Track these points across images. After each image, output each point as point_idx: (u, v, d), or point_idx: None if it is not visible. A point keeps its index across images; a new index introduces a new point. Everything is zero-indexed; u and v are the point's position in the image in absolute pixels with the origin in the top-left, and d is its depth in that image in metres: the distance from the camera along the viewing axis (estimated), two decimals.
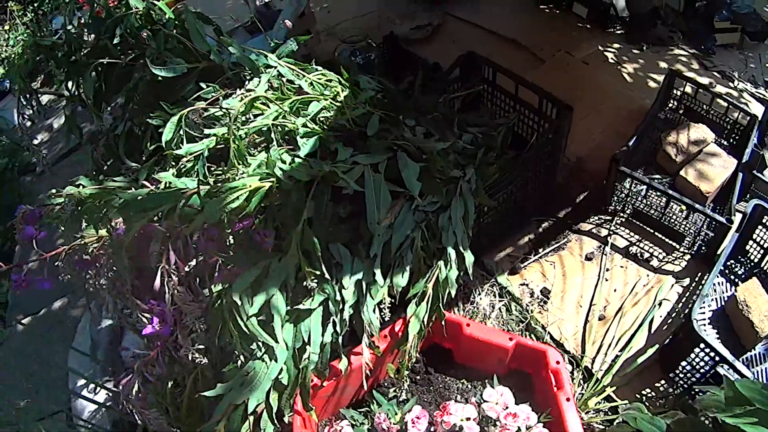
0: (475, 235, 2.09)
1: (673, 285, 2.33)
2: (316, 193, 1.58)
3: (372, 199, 1.69)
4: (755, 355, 2.10)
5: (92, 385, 2.44)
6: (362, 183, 1.70)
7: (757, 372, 2.06)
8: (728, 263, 2.33)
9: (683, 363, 2.00)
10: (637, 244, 2.47)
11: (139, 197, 1.51)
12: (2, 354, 2.88)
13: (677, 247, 2.44)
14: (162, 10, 1.97)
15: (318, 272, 1.54)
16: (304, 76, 1.91)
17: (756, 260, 2.31)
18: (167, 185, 1.54)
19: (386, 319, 1.83)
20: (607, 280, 2.37)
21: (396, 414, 1.81)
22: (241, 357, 1.53)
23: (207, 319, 1.49)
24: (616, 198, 2.52)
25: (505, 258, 2.44)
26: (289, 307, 1.56)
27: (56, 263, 1.73)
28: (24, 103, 1.95)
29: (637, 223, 2.53)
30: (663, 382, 2.10)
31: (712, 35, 3.30)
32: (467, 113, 2.48)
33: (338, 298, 1.60)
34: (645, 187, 2.39)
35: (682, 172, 2.52)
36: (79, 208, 1.54)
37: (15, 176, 3.80)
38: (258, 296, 1.48)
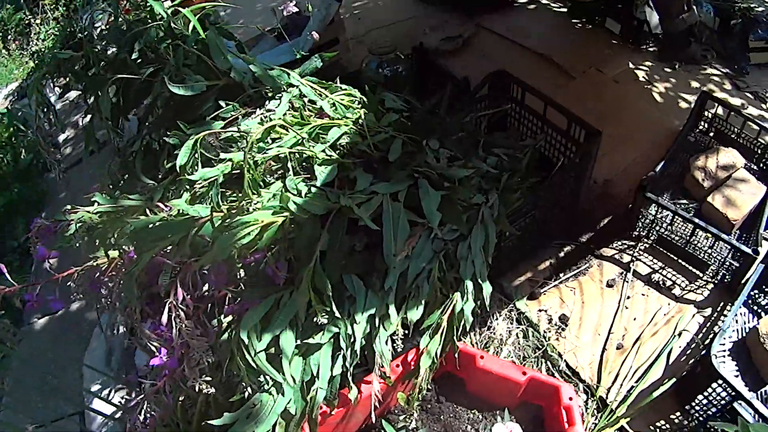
0: (495, 258, 1.99)
1: (694, 315, 2.21)
2: (331, 225, 1.50)
3: (390, 230, 1.60)
4: None
5: (106, 392, 2.41)
6: (380, 212, 1.62)
7: None
8: (752, 293, 2.20)
9: (700, 397, 1.89)
10: (660, 271, 2.34)
11: (150, 225, 1.45)
12: (19, 354, 2.86)
13: (700, 275, 2.31)
14: (186, 20, 1.89)
15: (328, 308, 1.46)
16: (326, 96, 1.82)
17: None
18: (180, 212, 1.47)
19: (399, 349, 1.76)
20: (627, 308, 2.26)
21: None
22: (249, 388, 1.47)
23: (215, 352, 1.42)
24: (641, 224, 2.40)
25: (524, 282, 2.33)
26: (298, 341, 1.49)
27: (68, 283, 1.68)
28: (41, 116, 1.89)
29: (661, 249, 2.40)
30: (678, 414, 1.99)
31: (746, 54, 3.14)
32: (494, 133, 2.38)
33: (349, 332, 1.53)
34: (671, 213, 2.28)
35: (709, 198, 2.39)
36: (91, 233, 1.48)
37: (39, 172, 3.77)
38: (267, 332, 1.41)
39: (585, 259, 2.41)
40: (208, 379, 1.43)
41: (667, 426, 1.97)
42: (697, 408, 1.94)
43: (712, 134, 2.71)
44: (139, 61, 1.80)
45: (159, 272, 1.48)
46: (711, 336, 2.13)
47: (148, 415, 1.53)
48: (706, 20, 3.27)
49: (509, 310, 2.27)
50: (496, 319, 2.24)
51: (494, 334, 2.21)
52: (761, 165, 2.60)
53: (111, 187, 1.89)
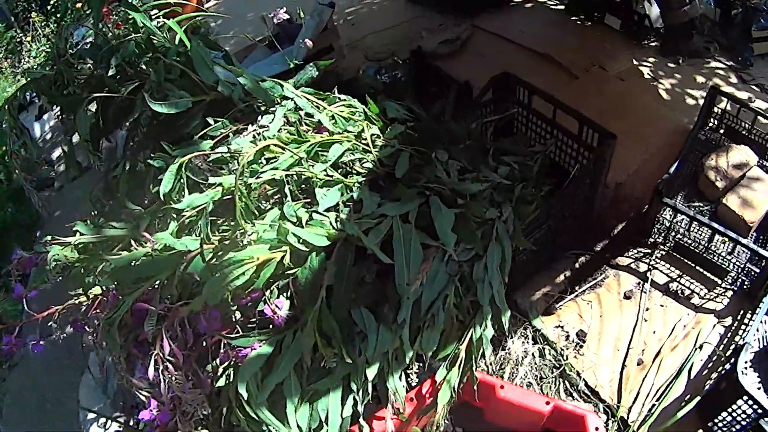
0: (509, 274, 1.79)
1: (714, 325, 2.01)
2: (337, 256, 1.27)
3: (401, 256, 1.38)
4: None
5: (102, 420, 2.23)
6: (390, 235, 1.40)
7: None
8: None
9: (724, 414, 1.71)
10: (678, 280, 2.13)
11: (133, 261, 1.22)
12: (17, 378, 2.66)
13: (719, 282, 2.11)
14: (173, 33, 1.67)
15: (337, 351, 1.24)
16: (324, 108, 1.59)
17: None
18: (165, 246, 1.25)
19: (413, 383, 1.55)
20: (646, 320, 2.05)
21: None
22: None
23: (210, 404, 1.20)
24: (656, 230, 2.19)
25: (540, 297, 2.11)
26: (306, 386, 1.27)
27: (49, 324, 1.46)
28: (16, 139, 1.66)
29: (678, 256, 2.19)
30: (701, 431, 1.79)
31: (749, 45, 2.95)
32: (501, 139, 2.16)
33: (360, 374, 1.31)
34: (688, 218, 2.07)
35: (724, 200, 2.21)
36: (68, 272, 1.25)
37: (33, 192, 3.56)
38: (269, 379, 1.19)
39: (601, 270, 2.20)
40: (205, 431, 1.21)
41: None
42: (721, 425, 1.76)
43: (722, 131, 2.51)
44: (118, 77, 1.57)
45: (146, 314, 1.26)
46: (733, 348, 1.94)
47: None
48: (707, 12, 3.09)
49: (524, 327, 2.06)
50: (512, 338, 2.02)
51: (510, 354, 1.99)
52: None
53: (95, 214, 1.66)
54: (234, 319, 1.24)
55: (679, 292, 2.11)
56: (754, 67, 2.94)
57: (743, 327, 2.01)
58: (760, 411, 1.61)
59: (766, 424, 1.62)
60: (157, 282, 1.22)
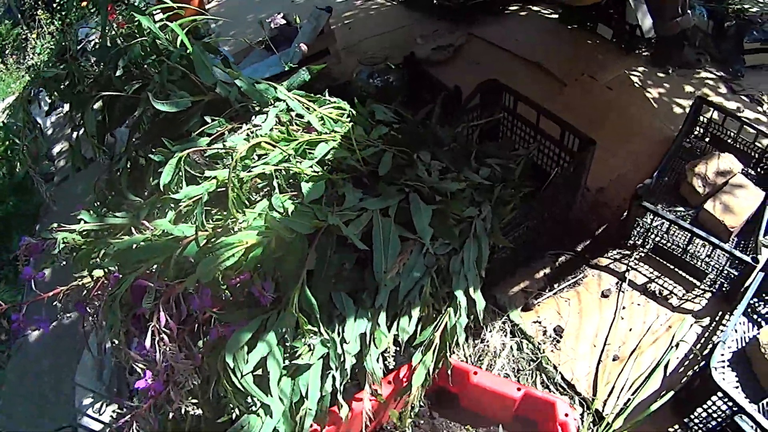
0: (488, 270, 1.96)
1: (692, 325, 2.16)
2: (319, 244, 1.46)
3: (380, 247, 1.57)
4: None
5: (97, 406, 2.38)
6: (370, 228, 1.59)
7: None
8: (751, 302, 2.16)
9: (699, 410, 1.85)
10: (656, 280, 2.31)
11: (134, 245, 1.42)
12: (15, 365, 2.83)
13: (698, 284, 2.27)
14: (174, 35, 1.86)
15: (317, 330, 1.43)
16: (314, 110, 1.79)
17: None
18: (164, 232, 1.44)
19: (390, 366, 1.72)
20: (623, 318, 2.22)
21: None
22: (237, 410, 1.44)
23: (200, 374, 1.39)
24: (636, 232, 2.36)
25: (518, 293, 2.30)
26: (287, 362, 1.45)
27: (54, 303, 1.65)
28: (28, 134, 1.85)
29: (657, 258, 2.36)
30: (677, 427, 1.94)
31: (740, 57, 3.11)
32: (486, 143, 2.34)
33: (339, 351, 1.49)
34: (667, 222, 2.24)
35: (706, 206, 2.36)
36: (74, 254, 1.45)
37: (34, 185, 3.74)
38: (254, 353, 1.38)
39: (580, 269, 2.37)
40: (195, 401, 1.39)
41: None
42: (697, 421, 1.89)
43: (707, 139, 2.67)
44: (124, 77, 1.77)
45: (144, 293, 1.44)
46: (710, 347, 2.07)
47: None
48: (700, 23, 3.24)
49: (503, 321, 2.24)
50: (490, 331, 2.20)
51: (488, 346, 2.17)
52: (759, 169, 2.57)
53: (98, 204, 1.86)
54: (224, 299, 1.43)
55: (657, 292, 2.27)
56: (744, 78, 3.10)
57: (720, 327, 2.15)
58: (735, 408, 1.74)
59: (741, 421, 1.73)
60: (155, 264, 1.40)
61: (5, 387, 2.78)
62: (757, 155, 2.56)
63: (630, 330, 2.19)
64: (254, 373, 1.41)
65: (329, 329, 1.47)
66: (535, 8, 3.89)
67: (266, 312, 1.42)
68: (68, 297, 1.60)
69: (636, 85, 3.08)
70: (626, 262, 2.37)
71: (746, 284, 2.11)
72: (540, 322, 2.24)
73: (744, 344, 2.07)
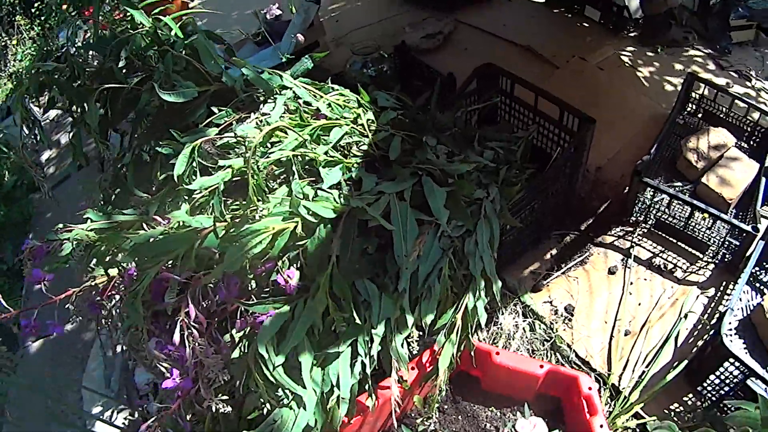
0: (497, 254, 1.94)
1: (698, 296, 2.19)
2: (343, 228, 1.42)
3: (399, 230, 1.53)
4: None
5: (107, 414, 2.31)
6: (388, 212, 1.55)
7: None
8: (753, 271, 2.18)
9: (712, 377, 1.87)
10: (661, 255, 2.31)
11: (151, 239, 1.35)
12: (17, 379, 2.74)
13: (701, 256, 2.29)
14: (169, 28, 1.80)
15: (347, 315, 1.38)
16: (321, 97, 1.74)
17: None
18: (180, 224, 1.38)
19: (414, 351, 1.69)
20: (631, 293, 2.22)
21: None
22: (267, 404, 1.39)
23: (230, 369, 1.33)
24: (637, 209, 2.36)
25: (527, 275, 2.28)
26: (316, 351, 1.40)
27: (66, 306, 1.57)
28: (27, 132, 1.78)
29: (660, 233, 2.37)
30: (690, 395, 1.96)
31: (727, 34, 3.13)
32: (484, 127, 2.32)
33: (367, 338, 1.45)
34: (667, 197, 2.24)
35: (703, 179, 2.38)
36: (88, 251, 1.38)
37: (24, 194, 3.65)
38: (284, 344, 1.33)
39: (585, 248, 2.38)
40: (225, 398, 1.34)
41: (681, 408, 1.94)
42: (710, 388, 1.92)
43: (700, 115, 2.70)
44: (126, 69, 1.70)
45: (164, 289, 1.38)
46: (718, 316, 2.10)
47: None
48: (686, 2, 3.26)
49: (515, 304, 2.22)
50: (503, 314, 2.18)
51: (501, 329, 2.15)
52: (751, 142, 2.60)
53: (102, 203, 1.78)
54: (250, 289, 1.37)
55: (662, 266, 2.28)
56: (732, 55, 3.13)
57: (726, 297, 2.17)
58: (746, 371, 1.75)
59: (753, 384, 1.75)
60: (175, 258, 1.34)
61: (10, 399, 2.69)
62: (749, 128, 2.59)
63: (639, 304, 2.20)
64: (284, 364, 1.36)
65: (357, 316, 1.42)
66: None
67: (292, 301, 1.37)
68: (81, 299, 1.53)
69: (626, 65, 3.09)
70: (630, 238, 2.38)
71: (748, 254, 2.12)
72: (551, 302, 2.23)
73: (749, 312, 2.09)
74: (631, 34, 3.31)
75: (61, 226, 1.63)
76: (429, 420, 1.81)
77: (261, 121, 1.63)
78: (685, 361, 1.96)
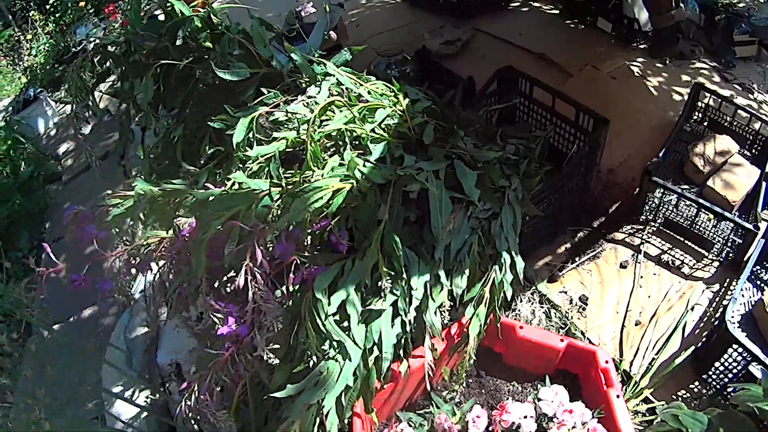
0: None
1: (703, 291, 2.35)
2: (391, 194, 1.57)
3: (436, 204, 1.69)
4: None
5: (127, 394, 2.40)
6: (425, 190, 1.70)
7: None
8: (754, 269, 2.35)
9: (717, 364, 2.02)
10: (669, 252, 2.48)
11: (211, 198, 1.49)
12: (34, 363, 2.81)
13: (706, 254, 2.46)
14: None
15: (393, 273, 1.52)
16: (362, 84, 1.90)
17: None
18: (239, 186, 1.52)
19: (445, 322, 1.82)
20: (641, 287, 2.38)
21: (455, 414, 1.80)
22: (314, 357, 1.51)
23: (283, 319, 1.46)
24: (647, 208, 2.54)
25: (543, 266, 2.44)
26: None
27: (111, 264, 1.69)
28: (79, 102, 1.89)
29: (668, 231, 2.55)
30: (696, 383, 2.11)
31: (731, 48, 3.35)
32: (504, 125, 2.48)
33: (407, 299, 1.59)
34: (676, 196, 2.41)
35: (709, 182, 2.55)
36: (150, 207, 1.51)
37: (41, 185, 3.75)
38: (335, 296, 1.46)
39: (598, 244, 2.54)
40: (277, 346, 1.46)
41: (688, 395, 2.09)
42: (714, 376, 2.07)
43: (706, 123, 2.88)
44: (180, 50, 1.85)
45: (221, 246, 1.52)
46: (723, 307, 2.25)
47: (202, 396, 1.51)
48: (693, 17, 3.47)
49: (531, 292, 2.37)
50: (521, 301, 2.33)
51: (519, 316, 2.29)
52: (753, 150, 2.78)
53: (153, 176, 1.92)
54: (305, 245, 1.52)
55: (670, 262, 2.44)
56: (736, 69, 3.34)
57: (729, 292, 2.33)
58: (749, 357, 1.91)
59: (755, 369, 1.91)
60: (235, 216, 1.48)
61: (20, 384, 2.75)
62: (751, 137, 2.78)
63: (648, 297, 2.35)
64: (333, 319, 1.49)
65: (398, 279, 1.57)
66: (536, 4, 4.11)
67: (342, 260, 1.51)
68: (137, 254, 1.65)
69: (636, 75, 3.30)
70: (640, 236, 2.54)
71: (750, 251, 2.28)
72: (566, 292, 2.38)
73: (750, 307, 2.25)
74: (641, 46, 3.51)
75: (109, 192, 1.75)
76: (455, 391, 1.94)
77: (308, 103, 1.78)
78: (692, 348, 2.12)
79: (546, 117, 2.51)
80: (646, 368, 2.13)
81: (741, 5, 3.43)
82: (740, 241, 2.32)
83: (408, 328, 1.60)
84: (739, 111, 2.73)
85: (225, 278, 1.56)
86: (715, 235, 2.41)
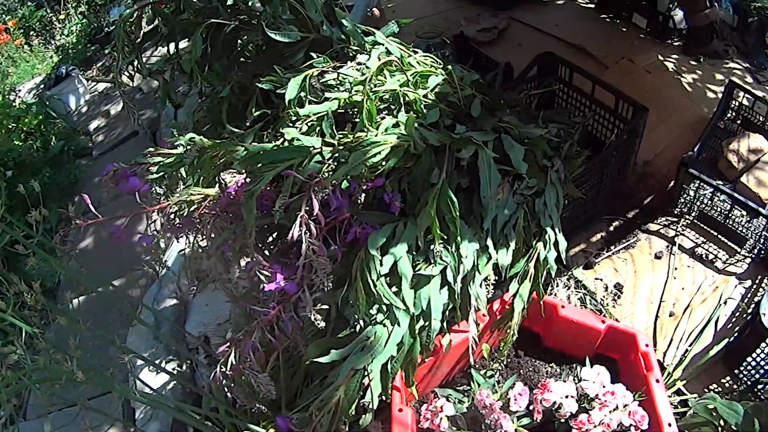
0: None
1: (736, 286, 2.29)
2: (445, 159, 1.50)
3: (485, 173, 1.62)
4: None
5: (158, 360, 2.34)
6: (475, 159, 1.63)
7: None
8: None
9: (749, 359, 1.96)
10: (702, 245, 2.42)
11: (262, 152, 1.42)
12: (58, 334, 2.75)
13: (739, 250, 2.40)
14: None
15: (446, 237, 1.45)
16: (411, 54, 1.84)
17: None
18: (290, 143, 1.45)
19: (489, 296, 1.75)
20: (675, 278, 2.32)
21: (495, 392, 1.72)
22: (360, 322, 1.44)
23: (333, 278, 1.38)
24: (682, 200, 2.49)
25: (579, 253, 2.38)
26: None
27: (152, 221, 1.62)
28: (125, 58, 1.83)
29: (702, 225, 2.49)
30: (728, 378, 2.05)
31: (763, 50, 3.31)
32: (543, 111, 2.42)
33: (456, 266, 1.51)
34: (711, 190, 2.35)
35: (742, 179, 2.50)
36: (198, 159, 1.43)
37: (71, 159, 3.70)
38: (387, 257, 1.39)
39: (633, 233, 2.49)
40: (325, 307, 1.39)
41: (719, 389, 2.03)
42: (746, 372, 2.01)
43: (739, 122, 2.82)
44: (230, 11, 1.79)
45: (269, 202, 1.45)
46: (755, 303, 2.19)
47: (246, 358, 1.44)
48: (726, 17, 3.42)
49: (567, 278, 2.30)
50: (557, 286, 2.25)
51: (555, 300, 2.21)
52: None
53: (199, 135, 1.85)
54: (358, 203, 1.45)
55: (704, 256, 2.38)
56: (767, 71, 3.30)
57: (762, 288, 2.27)
58: None
59: None
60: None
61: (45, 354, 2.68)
62: None
63: (683, 289, 2.30)
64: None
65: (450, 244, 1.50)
66: None
67: (397, 221, 1.44)
68: (179, 211, 1.58)
69: (671, 70, 3.25)
70: (674, 228, 2.47)
71: None
72: (601, 279, 2.32)
73: None
74: (676, 43, 3.47)
75: (151, 149, 1.68)
76: (494, 369, 1.87)
77: (358, 69, 1.71)
78: (726, 340, 2.07)
79: (585, 104, 2.45)
80: (679, 360, 2.07)
81: None
82: None
83: (457, 297, 1.53)
84: None
85: (270, 238, 1.49)
86: (748, 231, 2.35)
